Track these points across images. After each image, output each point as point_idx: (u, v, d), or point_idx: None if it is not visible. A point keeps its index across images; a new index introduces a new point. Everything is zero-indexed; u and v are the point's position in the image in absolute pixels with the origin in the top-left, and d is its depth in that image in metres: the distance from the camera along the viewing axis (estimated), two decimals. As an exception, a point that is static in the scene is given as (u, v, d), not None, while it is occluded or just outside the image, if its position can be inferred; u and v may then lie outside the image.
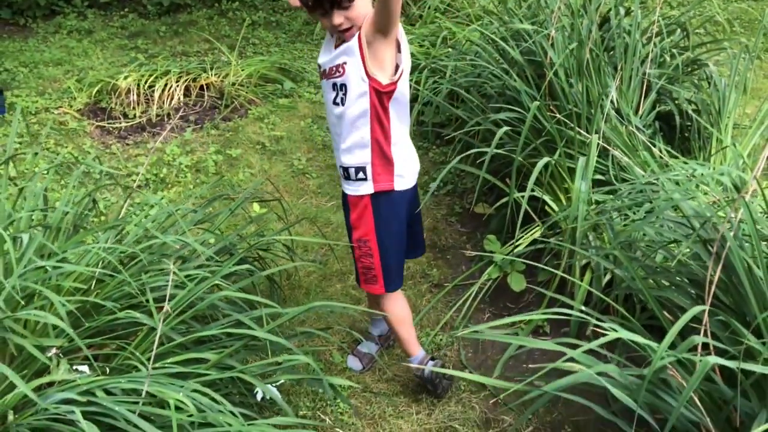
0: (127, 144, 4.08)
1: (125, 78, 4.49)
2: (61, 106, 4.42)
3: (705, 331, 1.34)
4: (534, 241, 2.66)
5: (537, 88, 2.77)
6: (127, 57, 5.22)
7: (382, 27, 1.86)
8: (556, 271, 2.02)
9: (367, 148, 2.03)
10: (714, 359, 1.27)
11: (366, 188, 2.08)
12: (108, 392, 1.76)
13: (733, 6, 6.02)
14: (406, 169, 2.11)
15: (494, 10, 3.63)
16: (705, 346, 1.39)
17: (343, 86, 1.98)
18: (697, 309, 1.35)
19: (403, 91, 2.01)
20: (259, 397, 2.32)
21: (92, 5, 6.23)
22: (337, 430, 2.10)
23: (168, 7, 6.20)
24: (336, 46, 2.00)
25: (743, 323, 1.44)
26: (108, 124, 4.26)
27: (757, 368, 1.27)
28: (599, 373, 1.42)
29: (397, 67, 1.96)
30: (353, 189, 2.11)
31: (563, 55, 2.69)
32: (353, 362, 2.52)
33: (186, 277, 2.07)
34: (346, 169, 2.09)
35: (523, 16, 3.21)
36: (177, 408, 1.65)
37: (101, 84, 4.50)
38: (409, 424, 2.31)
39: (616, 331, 1.36)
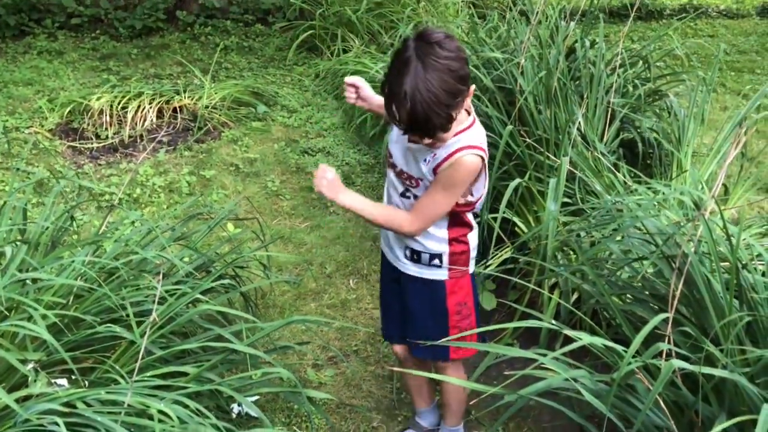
0: (100, 164, 4.08)
1: (98, 99, 4.50)
2: (32, 126, 4.41)
3: (669, 339, 1.42)
4: (504, 261, 2.75)
5: (507, 115, 2.88)
6: (99, 78, 5.23)
7: None
8: (527, 284, 2.10)
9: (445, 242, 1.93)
10: (677, 362, 1.35)
11: (442, 274, 1.96)
12: (88, 405, 1.77)
13: (690, 41, 6.29)
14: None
15: (466, 39, 3.75)
16: (668, 355, 1.47)
17: (414, 194, 1.88)
18: (661, 316, 1.43)
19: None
20: (235, 413, 2.34)
21: (63, 26, 6.23)
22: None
23: (140, 30, 6.24)
24: (410, 140, 1.80)
25: (703, 334, 1.53)
26: (80, 144, 4.26)
27: (717, 372, 1.35)
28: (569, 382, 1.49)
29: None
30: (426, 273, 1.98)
31: (533, 83, 2.81)
32: None
33: (166, 292, 2.10)
34: (417, 252, 1.96)
35: (494, 46, 3.33)
36: (158, 420, 1.67)
37: (73, 104, 4.51)
38: (383, 440, 2.35)
39: (585, 338, 1.44)
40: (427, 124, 1.64)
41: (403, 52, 1.65)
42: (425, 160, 1.80)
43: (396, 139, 1.91)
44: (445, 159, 1.76)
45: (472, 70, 3.06)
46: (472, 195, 1.86)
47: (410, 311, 2.06)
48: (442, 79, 1.61)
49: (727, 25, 7.34)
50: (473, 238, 1.97)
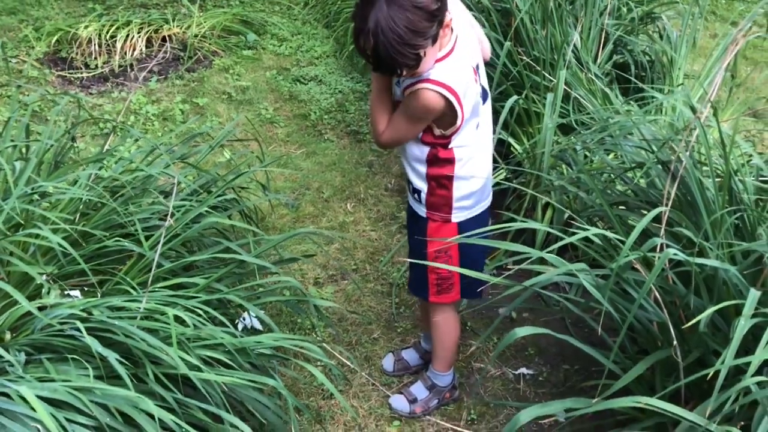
0: (91, 93, 4.05)
1: (85, 27, 4.43)
2: (18, 55, 4.34)
3: (662, 235, 1.50)
4: (497, 184, 2.81)
5: (504, 35, 2.89)
6: (84, 8, 5.12)
7: None
8: (526, 190, 2.15)
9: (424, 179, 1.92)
10: (672, 251, 1.42)
11: (422, 210, 1.96)
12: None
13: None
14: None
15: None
16: (663, 249, 1.55)
17: None
18: (657, 210, 1.50)
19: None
20: (240, 327, 2.42)
21: (43, -45, 6.06)
22: (324, 345, 2.22)
23: (123, -41, 6.07)
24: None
25: (696, 234, 1.60)
26: (69, 74, 4.22)
27: (708, 262, 1.43)
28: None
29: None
30: (415, 206, 2.00)
31: (529, 2, 2.81)
32: (387, 361, 2.39)
33: (173, 208, 2.14)
34: (408, 182, 1.97)
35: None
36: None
37: (60, 33, 4.44)
38: (384, 350, 2.45)
39: (591, 230, 1.50)
40: (391, 63, 1.60)
41: None
42: (397, 82, 1.78)
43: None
44: (411, 84, 1.72)
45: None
46: (442, 130, 1.80)
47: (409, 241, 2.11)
48: (407, 18, 1.54)
49: (718, -46, 7.25)
50: (460, 187, 1.90)
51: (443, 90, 1.70)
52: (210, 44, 4.54)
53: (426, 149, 1.86)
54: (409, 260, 1.94)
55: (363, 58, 1.66)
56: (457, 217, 1.96)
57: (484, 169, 1.96)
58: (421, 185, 1.92)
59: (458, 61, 1.74)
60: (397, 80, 1.78)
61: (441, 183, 1.89)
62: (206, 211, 2.19)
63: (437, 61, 1.71)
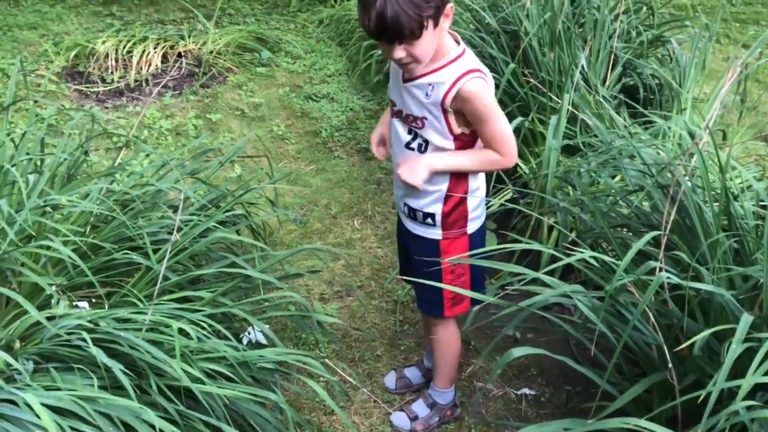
0: (106, 107, 4.13)
1: (103, 43, 4.52)
2: (37, 69, 4.44)
3: (660, 260, 1.51)
4: (506, 201, 2.83)
5: (512, 57, 2.92)
6: (103, 23, 5.23)
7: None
8: (530, 212, 2.17)
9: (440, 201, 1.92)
10: (666, 275, 1.44)
11: (435, 233, 1.97)
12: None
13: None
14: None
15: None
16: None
17: (423, 137, 1.86)
18: (653, 233, 1.52)
19: None
20: (245, 341, 2.45)
21: (65, -29, 6.19)
22: (327, 361, 2.24)
23: (143, -24, 6.19)
24: (404, 80, 1.84)
25: (693, 257, 1.62)
26: (86, 87, 4.30)
27: (702, 286, 1.44)
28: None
29: None
30: (422, 231, 2.00)
31: (537, 24, 2.85)
32: (390, 378, 2.40)
33: (181, 222, 2.18)
34: (413, 210, 1.98)
35: (499, -11, 3.36)
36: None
37: (78, 48, 4.53)
38: (387, 367, 2.47)
39: (586, 253, 1.52)
40: (396, 24, 1.61)
41: None
42: (427, 94, 1.79)
43: (393, 85, 1.92)
44: (448, 92, 1.75)
45: (478, 11, 3.09)
46: (464, 127, 1.83)
47: (412, 265, 2.09)
48: None
49: (732, -23, 7.27)
50: (474, 199, 1.95)
51: (480, 74, 1.77)
52: (225, 61, 4.61)
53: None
54: (429, 282, 1.92)
55: (364, 27, 1.69)
56: (471, 228, 2.00)
57: (483, 177, 2.02)
58: (436, 208, 1.94)
59: (474, 56, 1.83)
60: (427, 94, 1.79)
61: (459, 198, 1.92)
62: (214, 226, 2.23)
63: (456, 58, 1.77)
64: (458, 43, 1.83)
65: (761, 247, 1.54)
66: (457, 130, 1.83)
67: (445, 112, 1.80)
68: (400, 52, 1.70)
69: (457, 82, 1.75)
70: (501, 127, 1.82)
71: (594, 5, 3.30)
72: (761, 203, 1.84)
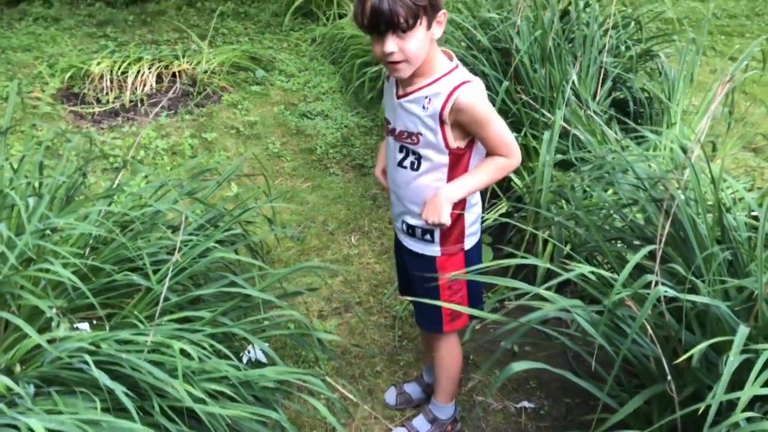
0: (102, 128, 4.15)
1: (98, 64, 4.55)
2: (32, 91, 4.46)
3: (656, 272, 1.54)
4: (501, 215, 2.86)
5: (504, 74, 2.96)
6: (97, 44, 5.27)
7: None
8: (523, 228, 2.20)
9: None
10: (663, 288, 1.46)
11: (434, 250, 1.99)
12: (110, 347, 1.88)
13: (682, 6, 6.36)
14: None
15: (463, 1, 3.83)
16: (655, 285, 1.59)
17: (417, 153, 1.87)
18: (649, 247, 1.55)
19: None
20: (245, 360, 2.46)
21: (58, -7, 6.24)
22: (327, 378, 2.25)
23: (135, -3, 6.25)
24: (398, 96, 1.85)
25: (688, 270, 1.64)
26: (82, 108, 4.32)
27: (699, 299, 1.47)
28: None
29: None
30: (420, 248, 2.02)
31: (528, 42, 2.89)
32: (390, 394, 2.41)
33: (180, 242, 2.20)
34: (412, 227, 1.99)
35: (490, 7, 3.40)
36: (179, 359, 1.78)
37: (73, 70, 4.56)
38: (387, 383, 2.48)
39: (584, 268, 1.55)
40: (390, 12, 1.63)
41: None
42: (424, 107, 1.79)
43: (387, 103, 1.94)
44: (445, 103, 1.76)
45: (470, 29, 3.13)
46: (460, 141, 1.84)
47: (410, 281, 2.12)
48: None
49: (718, -10, 7.38)
50: (471, 214, 1.97)
51: (472, 83, 1.79)
52: (219, 80, 4.65)
53: (445, 180, 1.89)
54: (427, 301, 1.94)
55: (359, 25, 1.71)
56: (468, 243, 2.01)
57: (479, 193, 2.03)
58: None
59: (466, 71, 1.85)
60: (424, 107, 1.80)
61: (456, 214, 1.92)
62: (213, 245, 2.24)
63: (450, 71, 1.80)
64: (451, 60, 1.86)
65: (754, 258, 1.56)
66: (453, 145, 1.83)
67: (442, 124, 1.80)
68: (392, 45, 1.70)
69: (453, 93, 1.77)
70: (501, 129, 1.84)
71: (583, 21, 3.35)
72: (753, 214, 1.87)
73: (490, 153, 1.88)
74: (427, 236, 1.97)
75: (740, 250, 1.67)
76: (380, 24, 1.67)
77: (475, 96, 1.78)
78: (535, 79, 2.92)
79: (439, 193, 1.85)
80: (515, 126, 2.87)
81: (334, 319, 2.76)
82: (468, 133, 1.85)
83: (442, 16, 1.75)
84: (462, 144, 1.86)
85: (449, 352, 2.17)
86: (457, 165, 1.88)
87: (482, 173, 1.87)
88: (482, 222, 2.86)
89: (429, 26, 1.72)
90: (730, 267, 1.75)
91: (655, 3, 4.69)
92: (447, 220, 1.85)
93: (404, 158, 1.91)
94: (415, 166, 1.89)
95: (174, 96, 4.52)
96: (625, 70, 3.40)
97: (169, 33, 5.59)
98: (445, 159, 1.86)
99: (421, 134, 1.84)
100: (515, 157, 1.87)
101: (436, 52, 1.81)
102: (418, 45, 1.71)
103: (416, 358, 2.58)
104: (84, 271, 2.14)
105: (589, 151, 2.55)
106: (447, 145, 1.83)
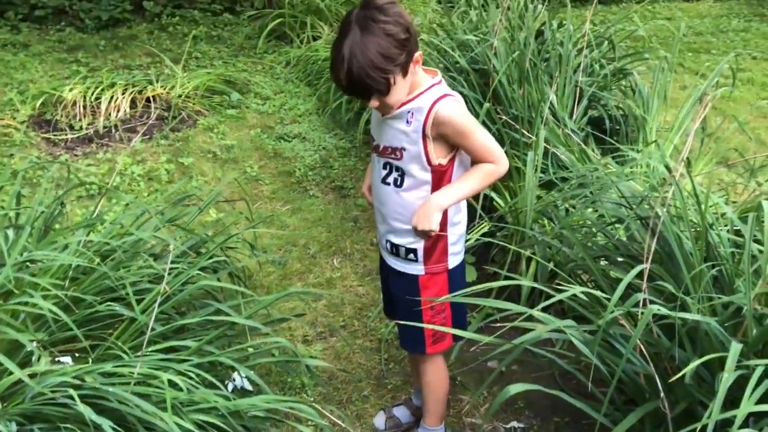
0: (76, 155, 4.09)
1: (70, 90, 4.49)
2: (3, 119, 4.38)
3: (644, 290, 1.55)
4: (484, 234, 2.87)
5: (483, 95, 2.99)
6: (68, 70, 5.21)
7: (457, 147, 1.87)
8: (507, 245, 2.21)
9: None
10: (655, 307, 1.47)
11: (417, 269, 1.98)
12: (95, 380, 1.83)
13: (650, 24, 6.50)
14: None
15: (440, 23, 3.86)
16: (646, 304, 1.60)
17: (399, 169, 1.89)
18: (639, 268, 1.56)
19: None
20: (230, 388, 2.42)
21: (26, 19, 6.16)
22: (315, 405, 2.22)
23: (107, 22, 6.20)
24: (383, 114, 1.88)
25: (676, 287, 1.66)
26: (54, 135, 4.26)
27: (690, 316, 1.48)
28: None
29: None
30: (402, 267, 2.01)
31: (506, 63, 2.92)
32: (379, 419, 2.38)
33: (162, 270, 2.16)
34: (396, 246, 1.98)
35: (467, 29, 3.44)
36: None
37: (45, 96, 4.50)
38: (375, 408, 2.45)
39: (576, 289, 1.55)
40: (363, 87, 1.71)
41: (347, 18, 1.73)
42: (407, 122, 1.82)
43: (375, 121, 1.95)
44: (427, 116, 1.80)
45: (448, 51, 3.16)
46: (441, 157, 1.85)
47: (394, 301, 2.11)
48: (378, 44, 1.67)
49: (683, 8, 7.57)
50: (454, 232, 1.97)
51: (450, 97, 1.82)
52: (194, 104, 4.62)
53: (428, 196, 1.89)
54: (412, 323, 1.94)
55: (338, 86, 1.78)
56: (452, 263, 2.01)
57: (465, 213, 2.04)
58: (418, 243, 1.95)
59: (446, 86, 1.89)
60: (407, 121, 1.83)
61: (440, 231, 1.93)
62: (197, 273, 2.21)
63: (432, 86, 1.83)
64: (434, 77, 1.88)
65: (741, 274, 1.58)
66: (435, 161, 1.85)
67: (425, 138, 1.82)
68: (374, 102, 1.79)
69: (433, 107, 1.80)
70: (485, 138, 1.87)
71: (558, 41, 3.40)
72: (735, 229, 1.90)
73: (476, 161, 1.90)
74: (411, 255, 1.97)
75: (725, 266, 1.69)
76: (356, 95, 1.78)
77: (453, 109, 1.82)
78: (514, 99, 2.95)
79: (429, 201, 1.87)
80: (495, 146, 2.89)
81: (320, 344, 2.73)
82: (449, 149, 1.87)
83: (418, 56, 1.79)
84: (444, 161, 1.87)
85: (435, 374, 2.16)
86: (439, 182, 1.89)
87: (471, 179, 1.89)
88: (465, 241, 2.88)
89: (405, 74, 1.76)
90: (716, 283, 1.77)
91: (625, 21, 4.79)
92: (436, 227, 1.86)
93: (388, 174, 1.93)
94: (399, 183, 1.91)
95: (148, 121, 4.48)
96: (600, 88, 3.45)
97: (142, 57, 5.55)
98: (427, 176, 1.88)
99: (404, 149, 1.86)
100: (502, 164, 1.89)
101: (418, 74, 1.83)
102: (399, 95, 1.78)
103: (404, 381, 2.56)
104: (66, 302, 2.10)
105: (570, 171, 2.57)
106: (429, 161, 1.85)
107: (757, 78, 5.51)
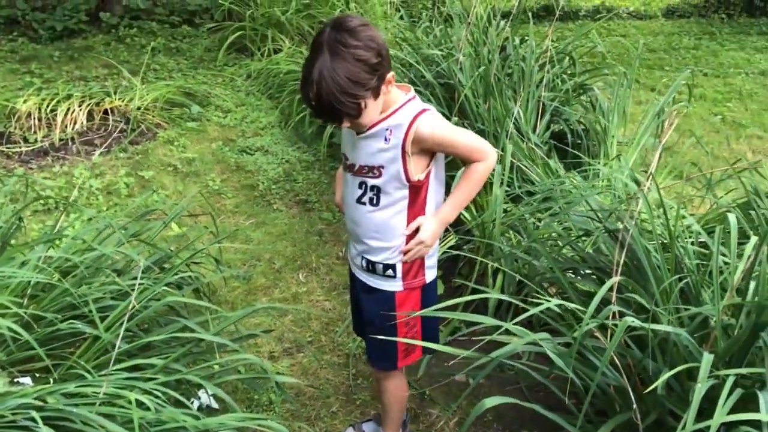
0: (31, 168, 3.97)
1: (24, 101, 4.37)
2: (-47, 130, 4.24)
3: (614, 301, 1.57)
4: (451, 248, 2.88)
5: (448, 108, 3.01)
6: (21, 81, 5.07)
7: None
8: (477, 258, 2.21)
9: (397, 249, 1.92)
10: (630, 320, 1.49)
11: (395, 285, 1.96)
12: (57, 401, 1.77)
13: (606, 40, 6.66)
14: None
15: (403, 38, 3.89)
16: (619, 316, 1.62)
17: (375, 188, 1.87)
18: (611, 281, 1.58)
19: (440, 163, 1.92)
20: (196, 405, 2.36)
21: (-24, 29, 6.01)
22: (284, 421, 2.18)
23: (61, 32, 6.08)
24: (358, 133, 1.84)
25: (649, 300, 1.69)
26: (7, 148, 4.13)
27: (662, 327, 1.51)
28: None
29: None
30: (381, 284, 1.99)
31: (472, 78, 2.95)
32: None
33: (127, 287, 2.11)
34: (372, 263, 1.96)
35: (431, 44, 3.47)
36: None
37: (-3, 108, 4.37)
38: (344, 424, 2.43)
39: (552, 302, 1.57)
40: (332, 111, 1.68)
41: (317, 38, 1.69)
42: (386, 139, 1.80)
43: (347, 139, 1.92)
44: (406, 135, 1.78)
45: (414, 65, 3.18)
46: (419, 172, 1.84)
47: (365, 319, 2.08)
48: (348, 69, 1.64)
49: (636, 26, 7.78)
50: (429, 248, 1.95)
51: (427, 112, 1.81)
52: (153, 116, 4.54)
53: (405, 213, 1.89)
54: (387, 338, 1.93)
55: (308, 107, 1.73)
56: (429, 276, 2.01)
57: None
58: (396, 259, 1.93)
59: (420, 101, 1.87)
60: (386, 139, 1.81)
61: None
62: (163, 288, 2.16)
63: (407, 101, 1.82)
64: (408, 92, 1.86)
65: (710, 285, 1.62)
66: (414, 178, 1.83)
67: (404, 155, 1.80)
68: (346, 124, 1.76)
69: (412, 124, 1.78)
70: (467, 139, 1.87)
71: (520, 56, 3.45)
72: (700, 241, 1.94)
73: (465, 162, 1.91)
74: (389, 271, 1.95)
75: (692, 277, 1.73)
76: (328, 120, 1.80)
77: (433, 124, 1.81)
78: (480, 113, 2.98)
79: (436, 220, 1.89)
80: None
81: (286, 360, 2.69)
82: (427, 164, 1.86)
83: (390, 77, 1.76)
84: (421, 176, 1.86)
85: (397, 384, 2.16)
86: (416, 198, 1.88)
87: (466, 186, 1.90)
88: (432, 255, 2.88)
89: (377, 97, 1.74)
90: (682, 294, 1.81)
91: (583, 38, 4.89)
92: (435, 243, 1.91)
93: (363, 194, 1.90)
94: (374, 201, 1.89)
95: (106, 134, 4.38)
96: (562, 103, 3.51)
97: (98, 69, 5.44)
98: (404, 192, 1.86)
99: (383, 167, 1.83)
100: (491, 157, 1.90)
101: (391, 91, 1.81)
102: (371, 116, 1.76)
103: (372, 397, 2.54)
104: (26, 319, 2.03)
105: (535, 185, 2.60)
106: (408, 178, 1.83)
107: (708, 94, 5.69)
